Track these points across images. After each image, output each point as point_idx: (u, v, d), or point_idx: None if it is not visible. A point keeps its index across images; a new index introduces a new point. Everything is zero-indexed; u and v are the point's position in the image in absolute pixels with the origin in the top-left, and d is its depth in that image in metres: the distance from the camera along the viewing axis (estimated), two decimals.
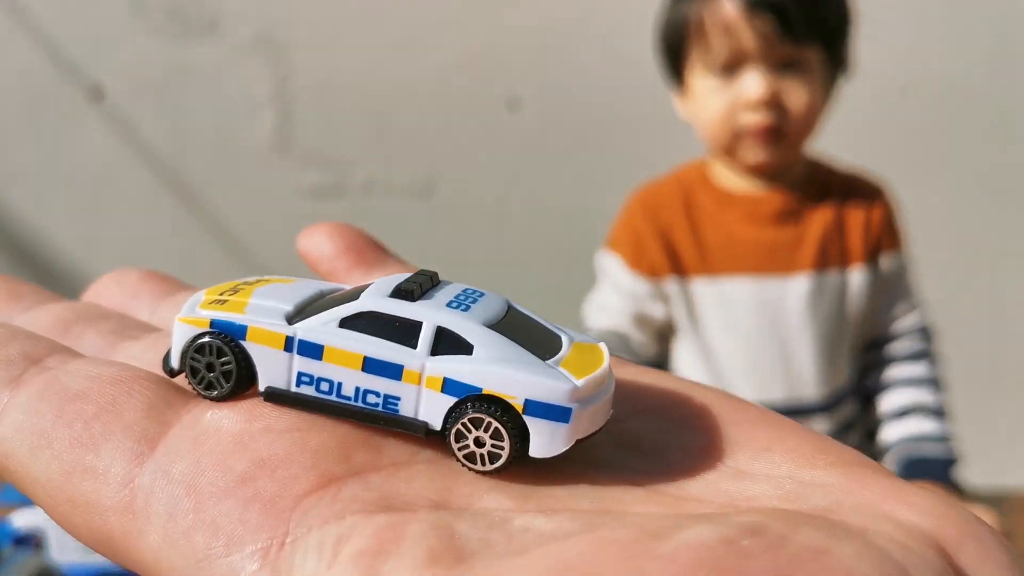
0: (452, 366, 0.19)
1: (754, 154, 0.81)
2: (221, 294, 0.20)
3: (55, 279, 1.57)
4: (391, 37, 1.55)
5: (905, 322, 0.86)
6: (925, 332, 0.86)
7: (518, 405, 0.18)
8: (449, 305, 0.19)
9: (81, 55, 1.53)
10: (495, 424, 0.18)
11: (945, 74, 1.59)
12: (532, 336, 0.20)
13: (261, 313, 0.19)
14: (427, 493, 0.17)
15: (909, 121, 1.60)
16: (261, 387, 0.19)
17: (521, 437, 0.18)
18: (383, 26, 1.55)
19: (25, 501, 0.63)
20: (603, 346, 0.20)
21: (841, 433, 0.86)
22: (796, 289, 0.83)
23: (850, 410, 0.87)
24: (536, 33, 1.55)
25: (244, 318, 0.19)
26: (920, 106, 1.59)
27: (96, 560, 0.59)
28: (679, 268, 0.84)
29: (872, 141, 1.56)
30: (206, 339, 0.19)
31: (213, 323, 0.19)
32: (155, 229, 1.59)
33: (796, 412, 0.84)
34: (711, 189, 0.86)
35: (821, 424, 0.84)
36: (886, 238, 0.86)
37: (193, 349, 0.19)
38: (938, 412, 0.81)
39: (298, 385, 0.19)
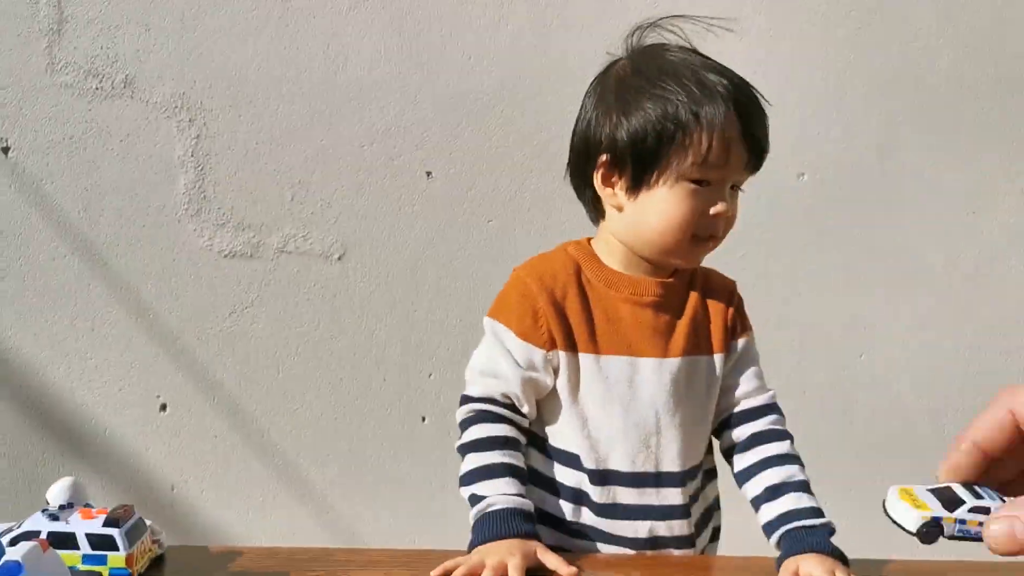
0: None
1: (696, 257, 0.90)
2: None
3: None
4: (308, 104, 1.57)
5: (759, 400, 0.92)
6: (779, 412, 0.92)
7: None
8: None
9: None
10: None
11: (837, 161, 1.69)
12: None
13: None
14: None
15: (804, 203, 1.69)
16: None
17: None
18: (301, 93, 1.57)
19: None
20: None
21: (691, 503, 0.90)
22: (670, 370, 0.89)
23: (697, 483, 0.92)
24: (450, 106, 1.60)
25: None
26: (813, 189, 1.69)
27: None
28: (570, 342, 0.88)
29: (770, 221, 1.64)
30: None
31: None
32: (60, 287, 1.56)
33: (658, 484, 0.88)
34: (598, 267, 0.91)
35: (676, 497, 0.88)
36: (739, 326, 0.94)
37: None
38: (806, 487, 0.86)
39: None
